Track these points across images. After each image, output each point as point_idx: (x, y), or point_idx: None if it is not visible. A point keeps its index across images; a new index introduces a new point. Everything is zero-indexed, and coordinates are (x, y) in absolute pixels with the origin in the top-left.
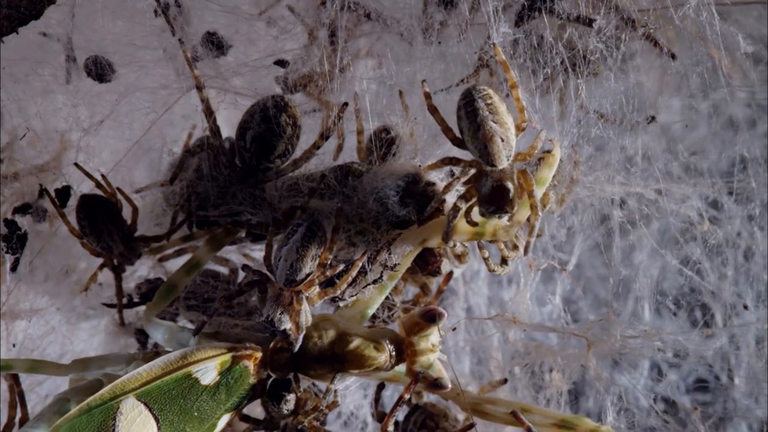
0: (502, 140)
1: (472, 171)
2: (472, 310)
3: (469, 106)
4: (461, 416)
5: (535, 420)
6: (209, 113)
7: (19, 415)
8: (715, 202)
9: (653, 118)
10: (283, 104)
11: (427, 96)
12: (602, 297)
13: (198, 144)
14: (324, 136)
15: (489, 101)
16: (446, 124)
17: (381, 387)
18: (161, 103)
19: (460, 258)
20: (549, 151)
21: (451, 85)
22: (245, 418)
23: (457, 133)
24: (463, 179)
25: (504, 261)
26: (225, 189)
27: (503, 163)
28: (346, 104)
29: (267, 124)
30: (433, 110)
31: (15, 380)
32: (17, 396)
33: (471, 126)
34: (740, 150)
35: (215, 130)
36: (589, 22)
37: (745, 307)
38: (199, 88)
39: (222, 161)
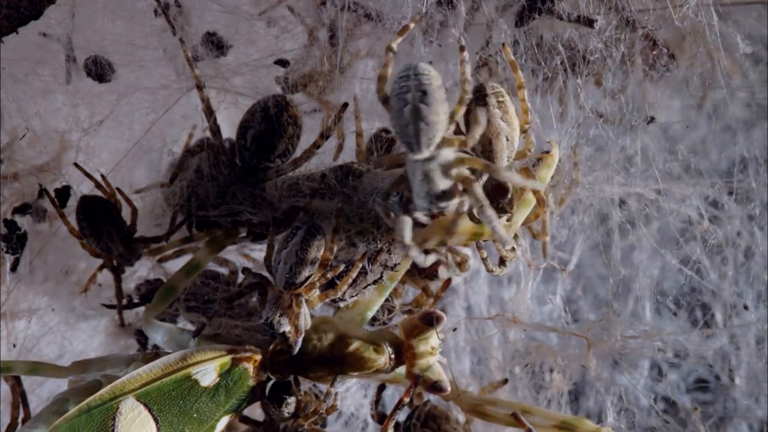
0: (507, 140)
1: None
2: (472, 309)
3: (480, 100)
4: (462, 417)
5: (536, 421)
6: (209, 113)
7: (21, 415)
8: (715, 202)
9: (652, 118)
10: (284, 104)
11: None
12: (602, 297)
13: (198, 144)
14: (324, 136)
15: (501, 99)
16: (458, 128)
17: (381, 388)
18: (161, 103)
19: (460, 266)
20: (547, 152)
21: (451, 84)
22: (245, 420)
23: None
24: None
25: (502, 262)
26: (225, 189)
27: (503, 162)
28: (346, 104)
29: (268, 123)
30: None
31: (16, 381)
32: (19, 397)
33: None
34: (740, 150)
35: (215, 130)
36: (590, 23)
37: (746, 307)
38: (200, 87)
39: (222, 160)
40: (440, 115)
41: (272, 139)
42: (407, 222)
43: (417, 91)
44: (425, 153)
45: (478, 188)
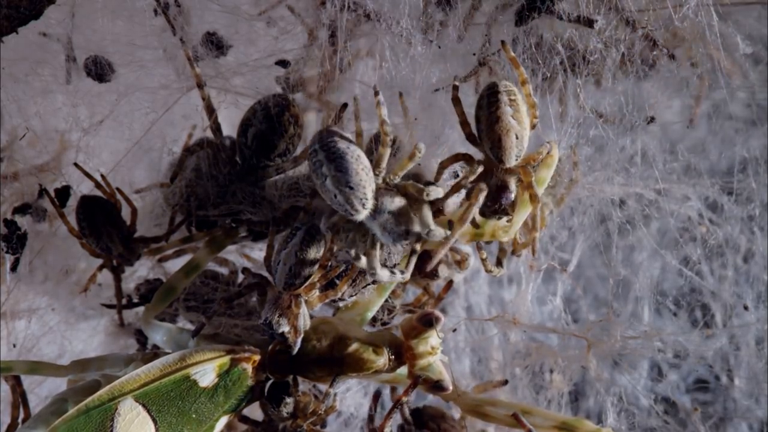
0: (517, 138)
1: (480, 169)
2: (473, 309)
3: (492, 96)
4: (457, 415)
5: (536, 422)
6: (210, 111)
7: (22, 415)
8: (715, 202)
9: (653, 118)
10: (285, 103)
11: (455, 89)
12: (602, 297)
13: (197, 143)
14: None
15: (512, 97)
16: (465, 118)
17: (376, 398)
18: (161, 103)
19: (460, 264)
20: (548, 152)
21: (451, 84)
22: (244, 420)
23: (473, 129)
24: (472, 178)
25: (499, 262)
26: (225, 188)
27: (511, 161)
28: (345, 105)
29: (269, 122)
30: (457, 102)
31: (16, 381)
32: (19, 396)
33: (490, 117)
34: (740, 150)
35: (216, 128)
36: (590, 23)
37: (745, 308)
38: (200, 86)
39: (221, 158)
40: (360, 174)
41: (273, 138)
42: (375, 256)
43: (329, 162)
44: (364, 211)
45: (425, 212)
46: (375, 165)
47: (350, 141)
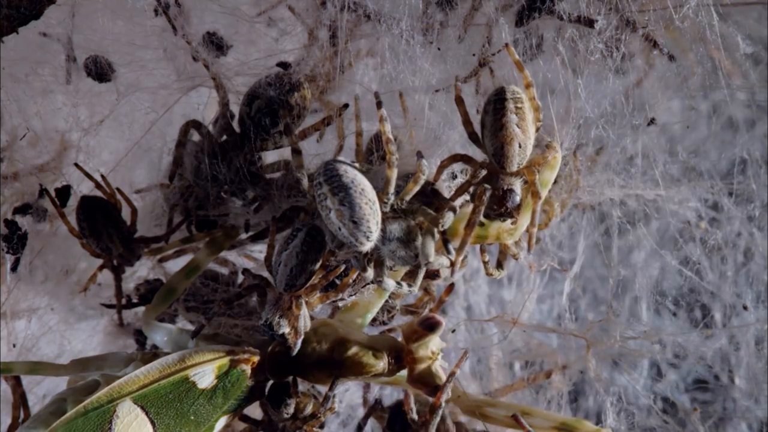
0: (520, 146)
1: (484, 172)
2: (472, 309)
3: (499, 103)
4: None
5: (536, 423)
6: (220, 86)
7: (22, 416)
8: (715, 203)
9: (653, 120)
10: (297, 83)
11: (457, 89)
12: (602, 297)
13: (182, 131)
14: (326, 122)
15: (519, 105)
16: (468, 117)
17: (367, 416)
18: (161, 103)
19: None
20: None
21: (451, 84)
22: (245, 419)
23: (476, 129)
24: (476, 180)
25: (500, 264)
26: (221, 184)
27: (513, 168)
28: (346, 105)
29: (277, 98)
30: (459, 101)
31: (17, 381)
32: (20, 397)
33: (495, 123)
34: (740, 151)
35: (226, 102)
36: (590, 23)
37: (745, 308)
38: (207, 66)
39: (220, 124)
40: (364, 208)
41: (277, 114)
42: (384, 270)
43: (333, 196)
44: (369, 243)
45: (428, 242)
46: (382, 190)
47: (356, 171)
